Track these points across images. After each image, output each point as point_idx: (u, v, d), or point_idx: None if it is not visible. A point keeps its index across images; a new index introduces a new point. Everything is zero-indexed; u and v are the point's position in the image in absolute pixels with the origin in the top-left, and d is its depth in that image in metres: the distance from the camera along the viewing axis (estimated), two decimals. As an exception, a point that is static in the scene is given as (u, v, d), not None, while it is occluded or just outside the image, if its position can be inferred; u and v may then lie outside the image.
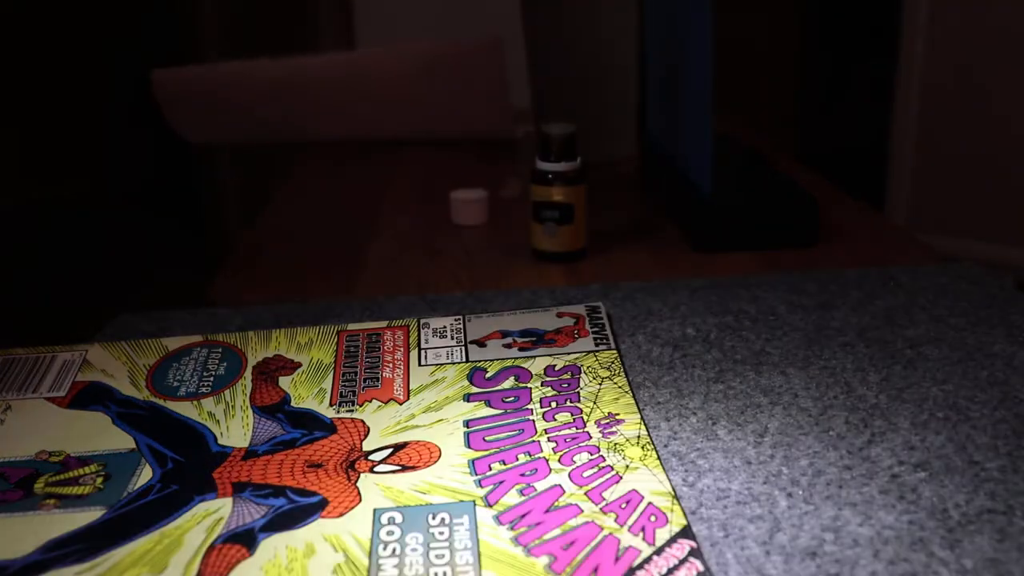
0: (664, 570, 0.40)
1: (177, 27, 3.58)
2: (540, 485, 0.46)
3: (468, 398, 0.55)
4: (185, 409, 0.55)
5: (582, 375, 0.57)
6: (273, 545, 0.43)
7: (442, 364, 0.59)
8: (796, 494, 0.47)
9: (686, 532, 0.42)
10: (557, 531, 0.43)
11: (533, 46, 1.12)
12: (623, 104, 1.12)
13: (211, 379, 0.58)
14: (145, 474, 0.49)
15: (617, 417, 0.52)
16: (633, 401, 0.54)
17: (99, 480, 0.48)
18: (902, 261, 0.79)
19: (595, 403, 0.53)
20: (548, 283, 0.77)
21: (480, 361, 0.59)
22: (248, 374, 0.58)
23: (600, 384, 0.56)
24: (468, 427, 0.51)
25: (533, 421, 0.52)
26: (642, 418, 0.52)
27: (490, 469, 0.48)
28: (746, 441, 0.51)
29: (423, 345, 0.61)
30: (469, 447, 0.50)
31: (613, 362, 0.58)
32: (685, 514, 0.44)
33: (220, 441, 0.51)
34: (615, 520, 0.43)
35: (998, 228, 2.30)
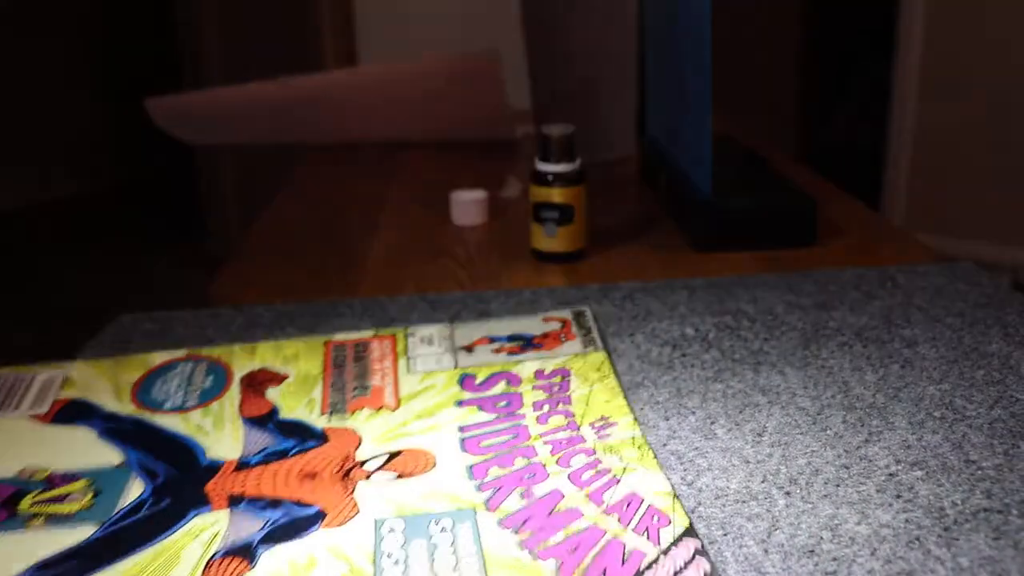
0: (672, 571, 0.40)
1: (176, 34, 3.57)
2: (539, 489, 0.46)
3: (460, 404, 0.54)
4: (172, 422, 0.54)
5: (572, 378, 0.57)
6: (274, 557, 0.42)
7: (431, 371, 0.58)
8: (794, 493, 0.47)
9: (690, 531, 0.43)
10: (561, 535, 0.43)
11: (533, 47, 1.12)
12: (623, 104, 1.12)
13: (197, 393, 0.57)
14: (135, 489, 0.48)
15: (610, 419, 0.52)
16: (625, 402, 0.54)
17: (88, 497, 0.47)
18: (899, 261, 0.80)
19: (587, 405, 0.54)
20: (548, 283, 0.77)
21: (469, 367, 0.59)
22: (235, 386, 0.57)
23: (591, 386, 0.56)
24: (462, 432, 0.51)
25: (527, 426, 0.52)
26: (635, 418, 0.52)
27: (488, 474, 0.48)
28: (744, 440, 0.52)
29: (411, 353, 0.61)
30: (465, 451, 0.50)
31: (603, 364, 0.58)
32: (687, 513, 0.44)
33: (209, 454, 0.50)
34: (618, 521, 0.43)
35: (995, 228, 2.30)
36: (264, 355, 0.61)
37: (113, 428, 0.53)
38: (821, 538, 0.43)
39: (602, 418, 0.52)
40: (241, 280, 0.82)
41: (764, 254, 0.82)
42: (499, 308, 0.71)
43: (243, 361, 0.60)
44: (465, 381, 0.57)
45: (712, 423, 0.54)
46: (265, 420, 0.54)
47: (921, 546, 0.43)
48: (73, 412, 0.55)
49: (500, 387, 0.56)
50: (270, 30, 3.20)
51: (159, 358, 0.61)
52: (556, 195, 0.80)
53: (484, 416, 0.53)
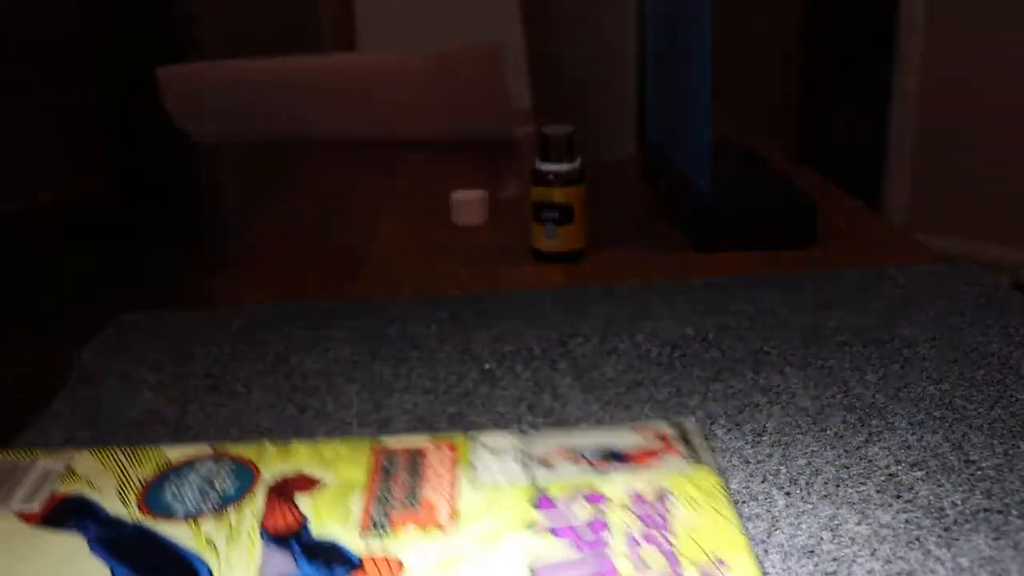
0: None
1: (177, 31, 3.57)
2: None
3: (531, 527, 0.46)
4: (180, 532, 0.46)
5: (674, 501, 0.47)
6: None
7: (498, 484, 0.49)
8: (794, 493, 0.47)
9: None
10: None
11: (533, 47, 1.12)
12: (623, 104, 1.12)
13: (217, 498, 0.49)
14: None
15: (723, 560, 0.42)
16: (743, 537, 0.43)
17: None
18: (899, 261, 0.80)
19: (694, 539, 0.44)
20: (548, 283, 0.77)
21: (545, 482, 0.49)
22: (260, 492, 0.49)
23: (698, 513, 0.46)
24: (532, 574, 0.42)
25: (615, 565, 0.42)
26: (756, 559, 0.43)
27: None
28: (744, 440, 0.52)
29: (474, 462, 0.51)
30: None
31: (713, 486, 0.47)
32: None
33: None
34: None
35: (995, 228, 2.30)
36: (299, 456, 0.53)
37: (108, 537, 0.46)
38: (821, 538, 0.43)
39: (712, 558, 0.43)
40: (241, 280, 0.82)
41: (764, 254, 0.82)
42: (499, 308, 0.71)
43: (274, 462, 0.52)
44: (540, 500, 0.48)
45: (712, 423, 0.54)
46: (290, 538, 0.45)
47: (921, 546, 0.43)
48: (68, 511, 0.48)
49: (583, 509, 0.47)
50: (270, 29, 3.20)
51: (178, 454, 0.53)
52: (556, 195, 0.80)
53: (560, 547, 0.44)
